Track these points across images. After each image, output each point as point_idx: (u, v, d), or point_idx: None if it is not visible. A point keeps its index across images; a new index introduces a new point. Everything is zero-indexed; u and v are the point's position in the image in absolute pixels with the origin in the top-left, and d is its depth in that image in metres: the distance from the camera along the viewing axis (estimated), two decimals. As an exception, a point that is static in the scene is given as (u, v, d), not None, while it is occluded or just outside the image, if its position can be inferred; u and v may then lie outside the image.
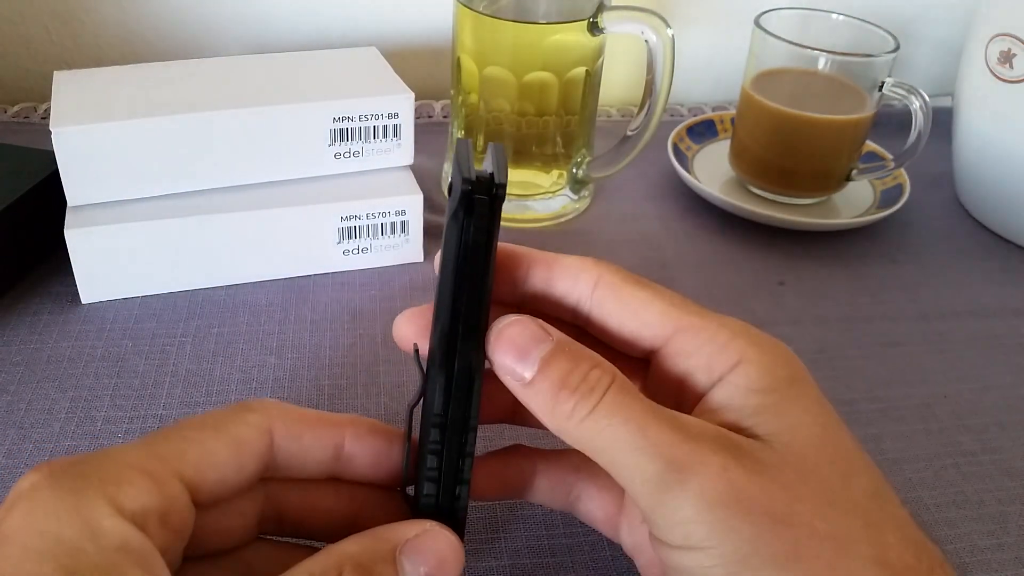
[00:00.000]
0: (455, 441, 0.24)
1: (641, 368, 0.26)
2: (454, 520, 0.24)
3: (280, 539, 0.26)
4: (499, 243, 0.25)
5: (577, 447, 0.23)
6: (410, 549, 0.22)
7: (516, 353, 0.23)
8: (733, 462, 0.21)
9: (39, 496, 0.20)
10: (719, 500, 0.21)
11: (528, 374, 0.23)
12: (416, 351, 0.25)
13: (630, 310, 0.25)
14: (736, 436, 0.22)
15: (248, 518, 0.25)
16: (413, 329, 0.25)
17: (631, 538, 0.28)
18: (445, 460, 0.24)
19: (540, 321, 0.23)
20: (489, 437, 0.34)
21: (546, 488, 0.29)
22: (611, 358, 0.24)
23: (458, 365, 0.23)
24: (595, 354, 0.23)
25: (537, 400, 0.23)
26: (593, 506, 0.28)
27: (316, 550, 0.26)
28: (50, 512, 0.19)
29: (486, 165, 0.23)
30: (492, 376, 0.24)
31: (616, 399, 0.22)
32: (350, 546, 0.21)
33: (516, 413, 0.27)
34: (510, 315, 0.24)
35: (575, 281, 0.25)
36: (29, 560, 0.18)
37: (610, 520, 0.28)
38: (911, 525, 0.23)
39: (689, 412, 0.24)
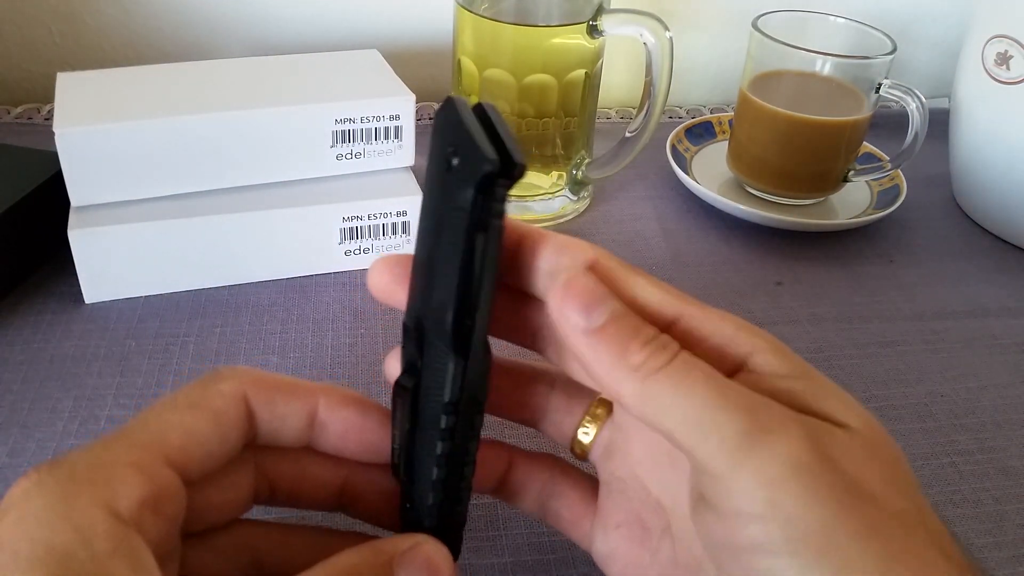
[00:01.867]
0: (466, 424, 0.23)
1: None
2: (456, 504, 0.24)
3: (284, 522, 0.26)
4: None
5: (635, 405, 0.21)
6: (404, 561, 0.22)
7: (584, 300, 0.21)
8: (813, 430, 0.21)
9: (30, 503, 0.19)
10: (807, 465, 0.20)
11: (595, 323, 0.21)
12: (406, 328, 0.24)
13: (627, 294, 0.23)
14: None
15: (242, 489, 0.25)
16: (390, 277, 0.24)
17: (605, 545, 0.27)
18: (457, 443, 0.23)
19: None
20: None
21: (519, 483, 0.28)
22: None
23: (472, 352, 0.22)
24: None
25: (600, 348, 0.21)
26: (563, 505, 0.28)
27: (321, 529, 0.26)
28: (41, 519, 0.19)
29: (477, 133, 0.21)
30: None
31: (690, 360, 0.21)
32: (349, 557, 0.22)
33: (495, 406, 0.27)
34: (572, 268, 0.22)
35: (572, 258, 0.23)
36: (20, 568, 0.18)
37: (578, 523, 0.28)
38: (933, 510, 0.23)
39: None
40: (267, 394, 0.24)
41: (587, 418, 0.27)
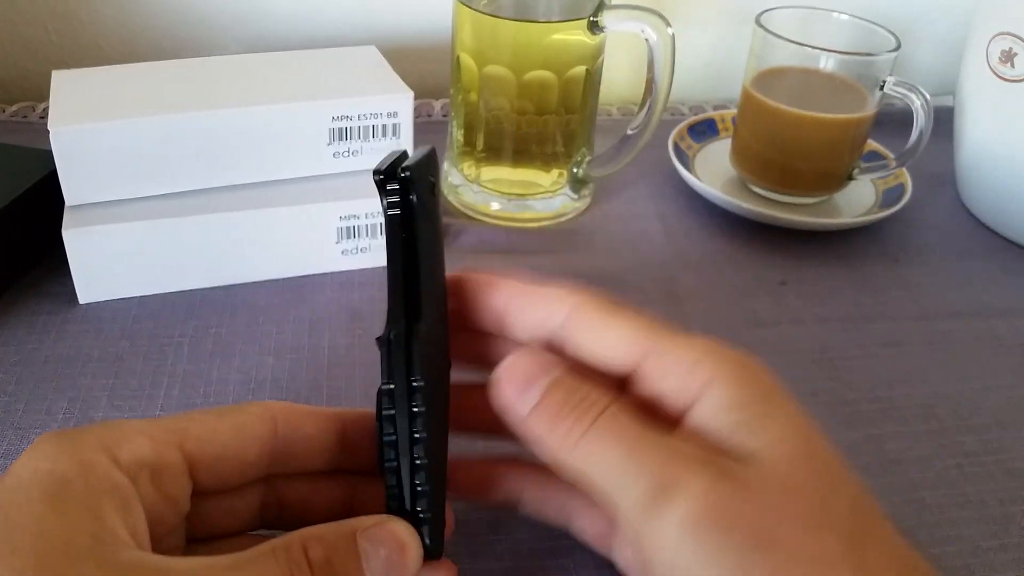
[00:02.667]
0: (402, 412, 0.24)
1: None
2: (416, 490, 0.24)
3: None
4: (480, 273, 0.26)
5: (573, 476, 0.23)
6: (368, 535, 0.23)
7: (520, 384, 0.23)
8: (717, 483, 0.21)
9: (42, 444, 0.22)
10: (702, 524, 0.21)
11: (529, 406, 0.23)
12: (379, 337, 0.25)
13: (600, 338, 0.25)
14: (721, 457, 0.22)
15: (251, 501, 0.26)
16: None
17: (622, 559, 0.28)
18: (398, 429, 0.24)
19: (549, 353, 0.24)
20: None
21: (537, 501, 0.29)
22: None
23: (391, 335, 0.24)
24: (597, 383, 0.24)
25: (535, 429, 0.23)
26: (585, 523, 0.28)
27: None
28: (49, 454, 0.21)
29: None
30: (471, 389, 0.25)
31: (611, 420, 0.22)
32: (314, 529, 0.22)
33: (496, 424, 0.28)
34: (520, 349, 0.24)
35: (549, 312, 0.26)
36: (20, 488, 0.20)
37: (602, 538, 0.28)
38: (893, 539, 0.23)
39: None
40: (295, 418, 0.26)
41: None
